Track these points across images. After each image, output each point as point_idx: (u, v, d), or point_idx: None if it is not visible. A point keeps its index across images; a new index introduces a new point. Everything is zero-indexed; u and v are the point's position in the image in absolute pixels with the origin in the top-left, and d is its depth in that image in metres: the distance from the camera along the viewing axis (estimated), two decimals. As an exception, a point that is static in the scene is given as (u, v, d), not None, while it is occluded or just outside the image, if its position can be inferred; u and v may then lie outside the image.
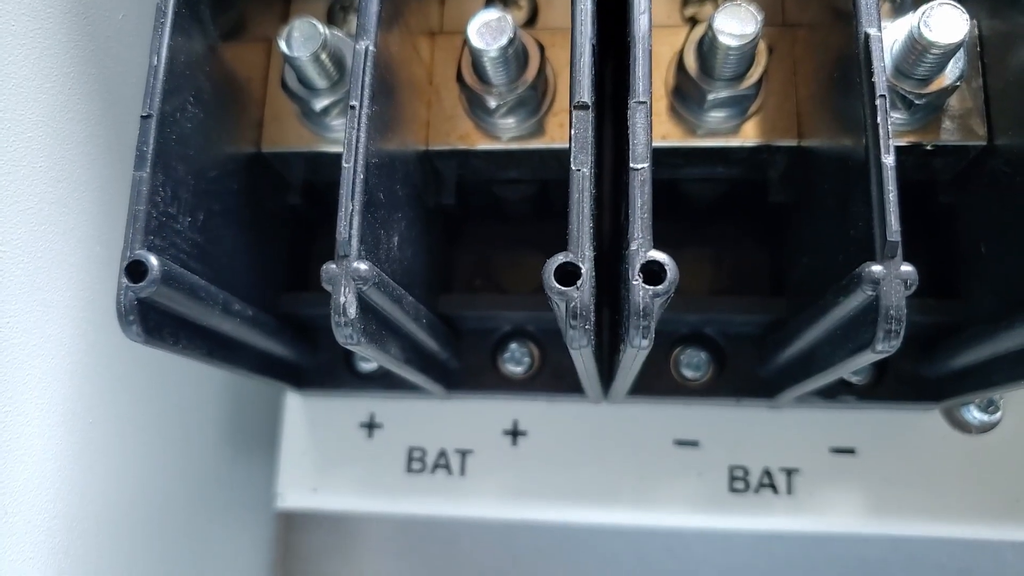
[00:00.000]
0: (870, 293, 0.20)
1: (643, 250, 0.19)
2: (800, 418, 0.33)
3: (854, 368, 0.23)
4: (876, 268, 0.20)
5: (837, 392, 0.31)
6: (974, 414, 0.32)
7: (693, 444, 0.34)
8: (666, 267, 0.19)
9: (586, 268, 0.19)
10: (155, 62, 0.22)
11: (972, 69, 0.26)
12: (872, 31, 0.21)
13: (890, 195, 0.20)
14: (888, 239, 0.20)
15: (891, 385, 0.31)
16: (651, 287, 0.19)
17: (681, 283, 0.19)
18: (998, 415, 0.32)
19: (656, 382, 0.32)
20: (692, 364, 0.32)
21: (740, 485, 0.33)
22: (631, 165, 0.20)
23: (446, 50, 0.29)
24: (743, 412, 0.34)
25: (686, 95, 0.27)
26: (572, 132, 0.21)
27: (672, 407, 0.34)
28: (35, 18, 0.25)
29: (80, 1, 0.27)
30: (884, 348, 0.20)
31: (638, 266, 0.19)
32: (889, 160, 0.20)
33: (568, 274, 0.19)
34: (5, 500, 0.25)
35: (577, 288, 0.19)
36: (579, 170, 0.20)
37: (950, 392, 0.30)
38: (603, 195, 0.30)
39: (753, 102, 0.27)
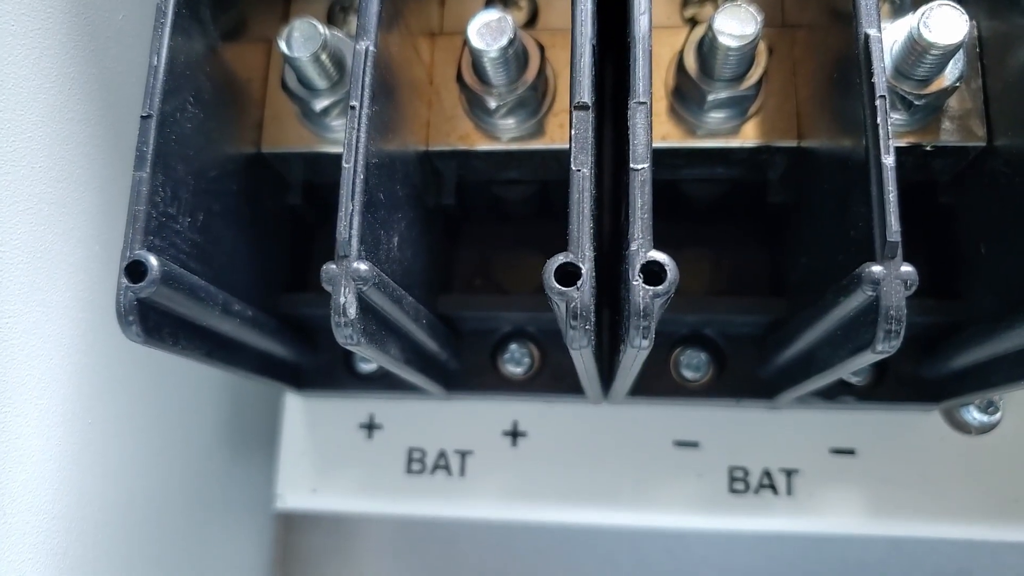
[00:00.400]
0: (870, 293, 0.20)
1: (643, 250, 0.19)
2: (800, 419, 0.33)
3: (854, 369, 0.23)
4: (876, 268, 0.20)
5: (837, 393, 0.31)
6: (974, 415, 0.32)
7: (693, 445, 0.34)
8: (666, 267, 0.19)
9: (586, 268, 0.19)
10: (155, 62, 0.22)
11: (972, 70, 0.26)
12: (872, 32, 0.21)
13: (890, 195, 0.20)
14: (888, 239, 0.20)
15: (891, 386, 0.31)
16: (651, 287, 0.19)
17: (681, 283, 0.19)
18: (998, 416, 0.32)
19: (656, 383, 0.32)
20: (692, 365, 0.32)
21: (740, 486, 0.33)
22: (631, 165, 0.20)
23: (446, 50, 0.29)
24: (743, 413, 0.34)
25: (686, 96, 0.27)
26: (572, 132, 0.21)
27: (672, 408, 0.34)
28: (35, 18, 0.25)
29: (80, 1, 0.27)
30: (884, 348, 0.20)
31: (638, 266, 0.19)
32: (889, 160, 0.20)
33: (568, 274, 0.19)
34: (4, 501, 0.25)
35: (577, 288, 0.19)
36: (579, 170, 0.20)
37: (950, 393, 0.30)
38: (603, 196, 0.30)
39: (753, 103, 0.27)
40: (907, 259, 0.20)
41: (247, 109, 0.28)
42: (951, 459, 0.33)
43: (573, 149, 0.21)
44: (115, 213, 0.29)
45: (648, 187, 0.20)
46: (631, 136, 0.20)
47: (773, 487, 0.33)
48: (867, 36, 0.21)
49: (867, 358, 0.21)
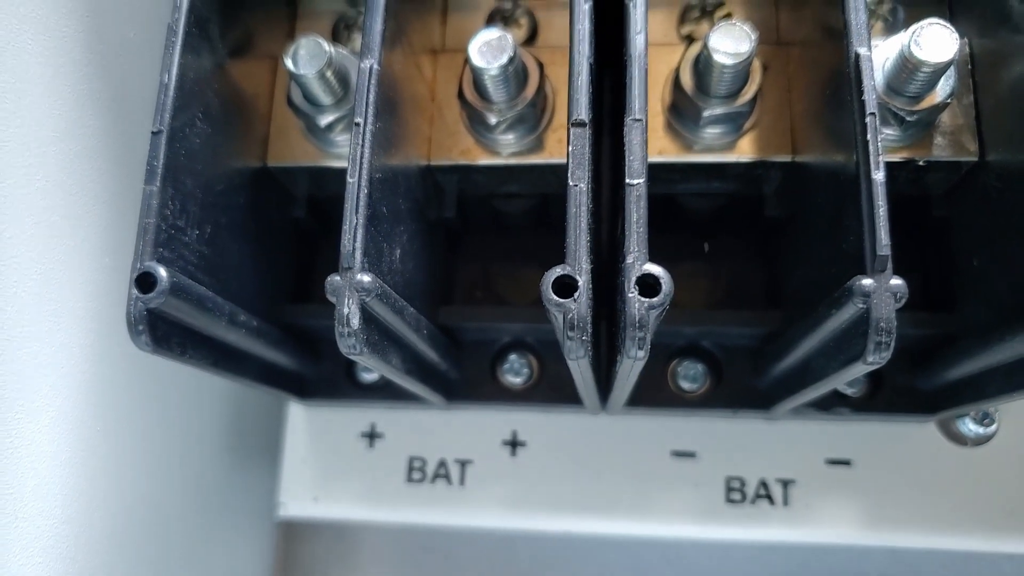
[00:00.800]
0: (861, 306, 0.20)
1: (639, 263, 0.20)
2: (796, 430, 0.34)
3: (847, 379, 0.24)
4: (866, 281, 0.20)
5: (833, 404, 0.32)
6: (969, 426, 0.33)
7: (690, 455, 0.34)
8: (661, 280, 0.19)
9: (583, 280, 0.20)
10: (166, 79, 0.23)
11: (963, 86, 0.26)
12: (862, 50, 0.22)
13: (880, 210, 0.20)
14: (878, 253, 0.20)
15: (887, 397, 0.32)
16: (646, 299, 0.19)
17: (678, 296, 0.20)
18: (993, 427, 0.33)
19: (653, 394, 0.32)
20: (689, 376, 0.32)
21: (736, 496, 0.33)
22: (627, 180, 0.20)
23: (448, 68, 0.29)
24: (739, 424, 0.34)
25: (682, 112, 0.27)
26: (570, 148, 0.21)
27: (669, 418, 0.34)
28: (51, 37, 0.26)
29: (93, 20, 0.27)
30: (875, 360, 0.21)
31: (634, 279, 0.20)
32: (879, 176, 0.21)
33: (566, 286, 0.20)
34: (15, 505, 0.25)
35: (574, 300, 0.20)
36: (576, 185, 0.21)
37: (945, 404, 0.30)
38: (601, 209, 0.31)
39: (748, 119, 0.27)
40: (900, 272, 0.20)
41: (253, 124, 0.28)
42: (947, 470, 0.33)
43: (571, 164, 0.21)
44: (125, 226, 0.29)
45: (644, 201, 0.20)
46: (627, 152, 0.21)
47: (769, 497, 0.33)
48: (857, 55, 0.22)
49: (859, 369, 0.21)
